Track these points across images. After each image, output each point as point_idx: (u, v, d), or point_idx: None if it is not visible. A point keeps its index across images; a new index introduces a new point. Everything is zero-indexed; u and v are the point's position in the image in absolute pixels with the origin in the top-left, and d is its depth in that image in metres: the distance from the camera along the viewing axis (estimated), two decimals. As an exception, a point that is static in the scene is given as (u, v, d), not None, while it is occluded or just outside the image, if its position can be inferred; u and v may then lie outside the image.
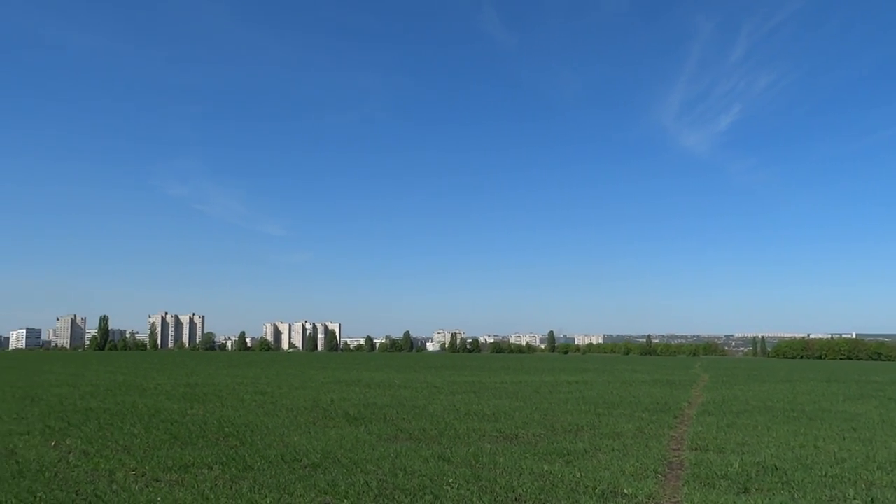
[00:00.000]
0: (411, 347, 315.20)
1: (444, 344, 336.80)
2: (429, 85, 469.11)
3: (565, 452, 12.93)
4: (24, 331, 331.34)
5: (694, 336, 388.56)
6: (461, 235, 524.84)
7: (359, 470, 11.05)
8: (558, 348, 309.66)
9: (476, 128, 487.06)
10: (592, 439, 14.84)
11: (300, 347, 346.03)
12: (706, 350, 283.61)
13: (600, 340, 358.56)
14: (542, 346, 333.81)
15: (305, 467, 11.29)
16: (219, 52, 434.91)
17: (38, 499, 8.94)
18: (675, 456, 12.98)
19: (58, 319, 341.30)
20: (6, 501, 8.82)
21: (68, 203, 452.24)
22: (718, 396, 28.77)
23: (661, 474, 11.08)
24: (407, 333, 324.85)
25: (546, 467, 11.39)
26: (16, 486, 9.73)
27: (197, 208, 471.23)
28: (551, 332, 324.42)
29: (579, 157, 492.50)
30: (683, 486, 10.25)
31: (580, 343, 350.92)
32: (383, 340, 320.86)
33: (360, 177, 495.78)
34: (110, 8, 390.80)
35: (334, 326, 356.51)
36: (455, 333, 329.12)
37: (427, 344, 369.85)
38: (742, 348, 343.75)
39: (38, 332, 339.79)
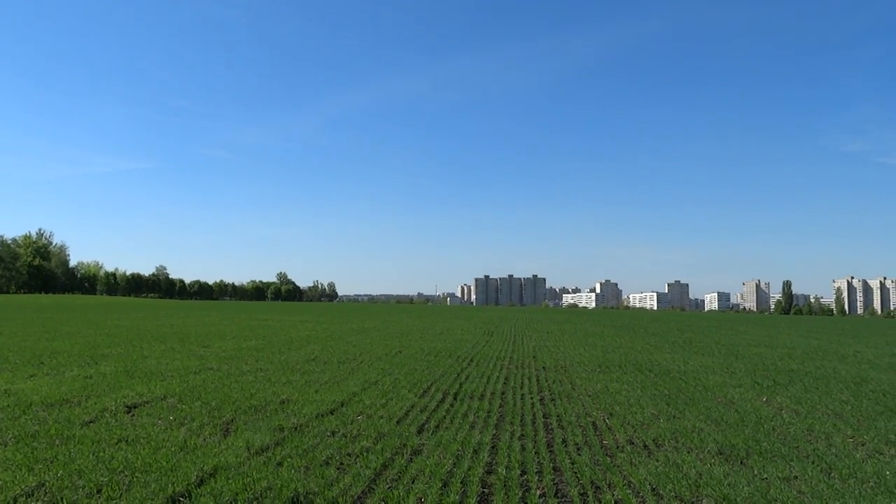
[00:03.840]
0: None
1: None
2: None
3: None
4: (716, 294, 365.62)
5: None
6: None
7: None
8: None
9: None
10: None
11: None
12: None
13: None
14: None
15: None
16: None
17: (762, 447, 9.74)
18: None
19: (743, 284, 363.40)
20: (749, 446, 9.94)
21: (747, 172, 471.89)
22: None
23: None
24: None
25: None
26: (741, 432, 10.86)
27: (879, 162, 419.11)
28: None
29: None
30: None
31: None
32: None
33: None
34: None
35: None
36: None
37: None
38: None
39: (728, 295, 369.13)
